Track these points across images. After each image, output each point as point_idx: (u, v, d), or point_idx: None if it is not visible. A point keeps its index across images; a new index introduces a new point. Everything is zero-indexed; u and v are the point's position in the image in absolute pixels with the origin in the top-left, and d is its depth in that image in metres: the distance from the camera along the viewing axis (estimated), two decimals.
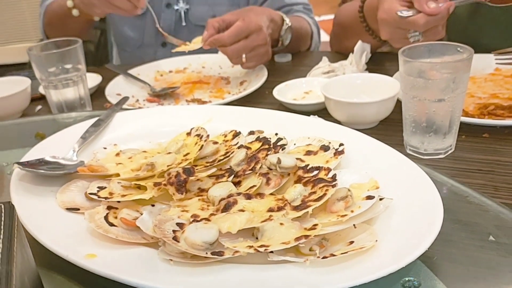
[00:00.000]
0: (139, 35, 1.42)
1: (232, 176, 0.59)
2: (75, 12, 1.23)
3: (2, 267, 0.32)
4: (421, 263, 0.48)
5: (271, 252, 0.46)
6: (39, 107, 1.08)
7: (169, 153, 0.64)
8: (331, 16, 1.38)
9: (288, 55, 1.26)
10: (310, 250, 0.47)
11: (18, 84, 1.03)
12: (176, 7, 1.37)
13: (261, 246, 0.46)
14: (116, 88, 1.09)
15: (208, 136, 0.66)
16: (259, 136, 0.67)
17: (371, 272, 0.42)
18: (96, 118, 0.75)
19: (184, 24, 1.37)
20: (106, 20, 1.56)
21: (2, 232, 0.35)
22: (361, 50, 1.05)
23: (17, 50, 2.95)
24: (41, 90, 1.08)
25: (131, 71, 1.19)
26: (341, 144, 0.62)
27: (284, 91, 0.98)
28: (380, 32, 0.96)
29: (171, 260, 0.46)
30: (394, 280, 0.46)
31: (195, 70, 1.22)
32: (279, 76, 1.11)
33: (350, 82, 0.91)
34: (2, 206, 0.38)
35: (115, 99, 0.99)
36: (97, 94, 1.11)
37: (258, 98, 1.03)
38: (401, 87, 0.74)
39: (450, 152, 0.75)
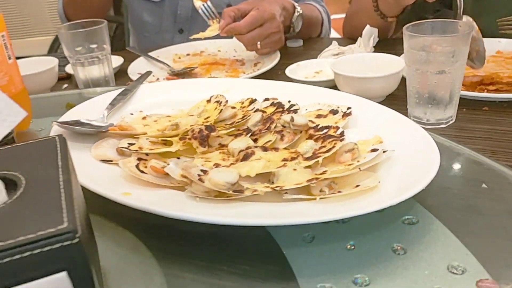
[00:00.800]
0: (157, 21, 1.48)
1: (250, 134, 0.65)
2: None
3: (64, 176, 0.38)
4: (420, 205, 0.54)
5: (286, 193, 0.52)
6: (65, 85, 1.15)
7: (192, 115, 0.70)
8: (341, 16, 1.44)
9: (299, 40, 1.32)
10: (321, 191, 0.53)
11: (46, 63, 1.10)
12: None
13: (277, 187, 0.52)
14: (138, 68, 1.16)
15: (227, 101, 0.72)
16: (273, 102, 0.72)
17: (374, 204, 0.48)
18: (123, 88, 0.81)
19: None
20: (123, 4, 1.62)
21: (59, 154, 0.41)
22: (369, 34, 1.10)
23: (36, 43, 3.02)
24: (68, 69, 1.15)
25: (150, 54, 1.25)
26: (348, 108, 0.68)
27: (296, 71, 1.04)
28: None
29: (197, 197, 0.52)
30: (395, 218, 0.52)
31: (212, 53, 1.28)
32: (291, 58, 1.17)
33: (358, 61, 0.97)
34: (56, 137, 0.44)
35: (137, 77, 1.05)
36: (119, 75, 1.17)
37: (271, 77, 1.07)
38: (405, 61, 0.80)
39: (451, 122, 0.80)
